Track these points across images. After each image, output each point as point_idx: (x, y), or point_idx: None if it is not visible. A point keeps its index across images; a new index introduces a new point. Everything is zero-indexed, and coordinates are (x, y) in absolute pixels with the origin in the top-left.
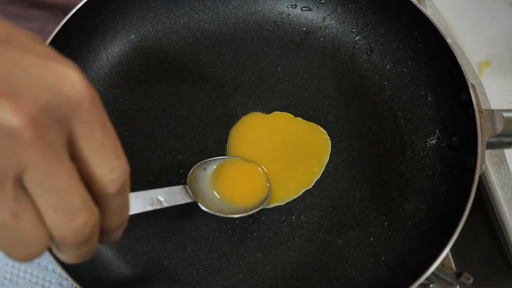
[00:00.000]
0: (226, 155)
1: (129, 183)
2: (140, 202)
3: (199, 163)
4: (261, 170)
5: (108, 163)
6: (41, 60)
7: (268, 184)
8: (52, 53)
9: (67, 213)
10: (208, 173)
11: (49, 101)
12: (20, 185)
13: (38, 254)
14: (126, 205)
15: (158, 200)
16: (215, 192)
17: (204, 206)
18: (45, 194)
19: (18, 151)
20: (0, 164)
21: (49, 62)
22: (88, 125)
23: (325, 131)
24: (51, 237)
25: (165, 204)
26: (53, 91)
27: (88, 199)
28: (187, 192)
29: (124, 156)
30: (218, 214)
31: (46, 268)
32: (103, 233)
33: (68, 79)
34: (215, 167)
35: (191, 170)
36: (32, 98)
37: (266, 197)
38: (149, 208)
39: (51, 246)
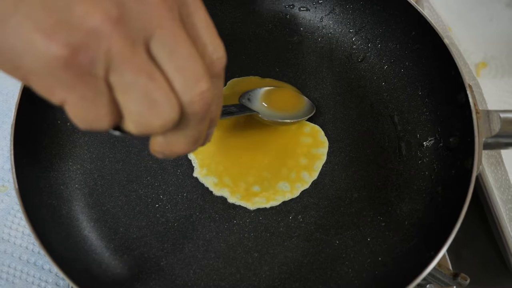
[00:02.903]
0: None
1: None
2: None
3: (242, 94)
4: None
5: (215, 41)
6: None
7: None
8: None
9: (193, 76)
10: (255, 98)
11: None
12: (148, 52)
13: (172, 121)
14: (222, 94)
15: (231, 111)
16: (266, 105)
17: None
18: (172, 57)
19: (146, 13)
20: (132, 27)
21: None
22: (194, 2)
23: (322, 131)
24: (180, 105)
25: (235, 115)
26: None
27: (206, 68)
28: (247, 107)
29: None
30: (279, 120)
31: (42, 268)
32: None
33: None
34: (260, 93)
35: (239, 99)
36: None
37: (313, 108)
38: (226, 117)
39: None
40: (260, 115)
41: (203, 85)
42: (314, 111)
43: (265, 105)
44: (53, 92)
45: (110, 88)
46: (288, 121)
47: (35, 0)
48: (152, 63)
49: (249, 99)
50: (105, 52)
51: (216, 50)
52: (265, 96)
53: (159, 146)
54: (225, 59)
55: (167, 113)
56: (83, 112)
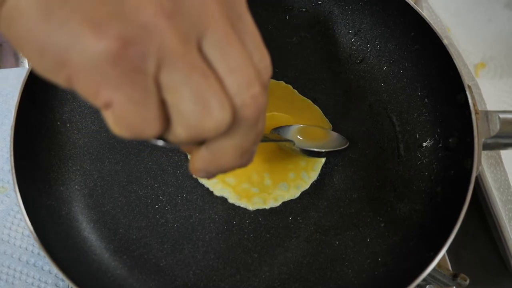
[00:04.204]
0: None
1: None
2: None
3: (272, 130)
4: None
5: (261, 50)
6: None
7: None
8: None
9: (245, 79)
10: (286, 133)
11: None
12: (200, 50)
13: (226, 123)
14: (266, 107)
15: (268, 138)
16: (301, 138)
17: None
18: (224, 57)
19: (199, 10)
20: (185, 23)
21: None
22: (241, 6)
23: None
24: (233, 107)
25: (271, 141)
26: None
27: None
28: (282, 136)
29: None
30: (315, 149)
31: (42, 269)
32: None
33: None
34: (291, 129)
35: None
36: None
37: (346, 141)
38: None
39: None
40: (295, 144)
41: (256, 89)
42: (348, 144)
43: (300, 138)
44: (98, 92)
45: (159, 88)
46: (323, 150)
47: None
48: (204, 61)
49: (279, 134)
50: (157, 47)
51: (263, 59)
52: (297, 131)
53: (202, 161)
54: (271, 69)
55: (221, 114)
56: (130, 115)
